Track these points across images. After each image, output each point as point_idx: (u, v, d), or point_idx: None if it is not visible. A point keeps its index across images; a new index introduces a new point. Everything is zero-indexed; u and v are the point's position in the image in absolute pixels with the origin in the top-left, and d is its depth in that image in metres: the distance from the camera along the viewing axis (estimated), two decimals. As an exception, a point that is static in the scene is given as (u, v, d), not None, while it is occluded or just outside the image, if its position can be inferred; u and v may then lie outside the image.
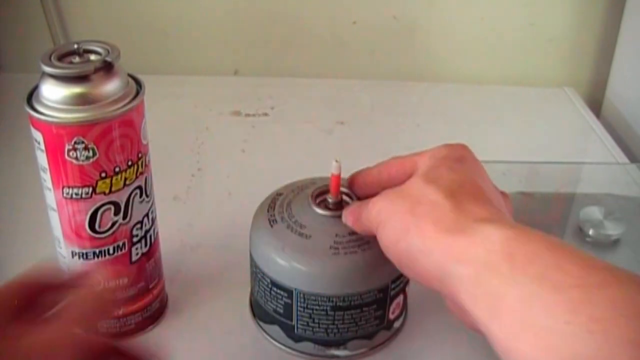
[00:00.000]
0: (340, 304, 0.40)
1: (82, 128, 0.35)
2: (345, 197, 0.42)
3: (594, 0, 0.84)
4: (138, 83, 0.39)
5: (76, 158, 0.36)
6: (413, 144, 0.74)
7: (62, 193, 0.38)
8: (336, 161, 0.40)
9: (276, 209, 0.43)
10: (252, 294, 0.46)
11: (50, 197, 0.39)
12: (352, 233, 0.40)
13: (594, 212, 0.51)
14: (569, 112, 0.81)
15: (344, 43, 0.85)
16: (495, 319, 0.28)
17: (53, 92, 0.36)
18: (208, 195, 0.62)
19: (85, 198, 0.37)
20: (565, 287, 0.27)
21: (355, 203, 0.40)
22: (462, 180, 0.35)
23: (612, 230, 0.50)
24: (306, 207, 0.42)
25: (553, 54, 0.88)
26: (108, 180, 0.37)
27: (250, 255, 0.43)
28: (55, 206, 0.39)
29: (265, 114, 0.74)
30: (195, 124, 0.73)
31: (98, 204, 0.38)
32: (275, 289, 0.41)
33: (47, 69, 0.36)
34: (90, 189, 0.37)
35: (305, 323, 0.41)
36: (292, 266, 0.39)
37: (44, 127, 0.36)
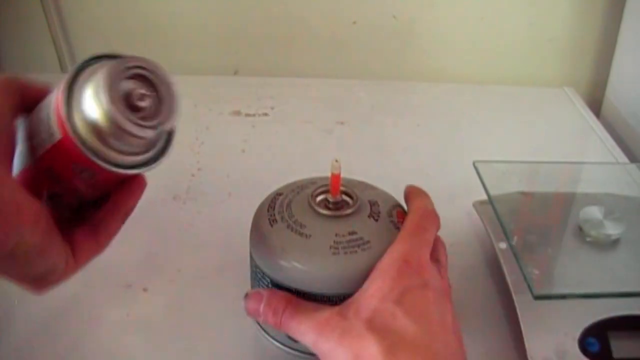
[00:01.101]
0: (340, 303, 0.40)
1: None
2: (345, 197, 0.42)
3: (594, 0, 0.84)
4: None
5: None
6: (413, 144, 0.75)
7: None
8: (336, 161, 0.40)
9: (276, 208, 0.42)
10: None
11: None
12: (352, 232, 0.40)
13: (594, 212, 0.51)
14: (569, 112, 0.81)
15: (344, 43, 0.85)
16: None
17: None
18: (208, 195, 0.62)
19: None
20: None
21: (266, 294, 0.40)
22: (407, 331, 0.34)
23: (612, 230, 0.49)
24: (306, 207, 0.42)
25: (553, 54, 0.88)
26: None
27: (250, 255, 0.43)
28: None
29: (265, 114, 0.74)
30: (195, 124, 0.73)
31: None
32: (275, 289, 0.41)
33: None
34: None
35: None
36: (292, 266, 0.39)
37: None
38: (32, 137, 0.32)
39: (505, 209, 0.51)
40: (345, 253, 0.39)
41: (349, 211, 0.41)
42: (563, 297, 0.45)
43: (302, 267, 0.39)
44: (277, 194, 0.44)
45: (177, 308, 0.48)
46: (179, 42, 0.84)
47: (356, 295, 0.37)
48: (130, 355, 0.45)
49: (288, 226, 0.41)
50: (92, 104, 0.29)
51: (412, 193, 0.44)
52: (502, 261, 0.48)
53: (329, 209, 0.42)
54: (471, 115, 0.79)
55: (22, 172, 0.32)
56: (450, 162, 0.68)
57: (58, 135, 0.30)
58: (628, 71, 0.81)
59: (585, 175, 0.64)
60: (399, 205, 0.44)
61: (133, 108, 0.30)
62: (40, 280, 0.33)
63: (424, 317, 0.35)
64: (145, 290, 0.50)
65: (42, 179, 0.32)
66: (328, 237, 0.40)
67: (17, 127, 0.32)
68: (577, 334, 0.43)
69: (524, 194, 0.56)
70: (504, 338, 0.47)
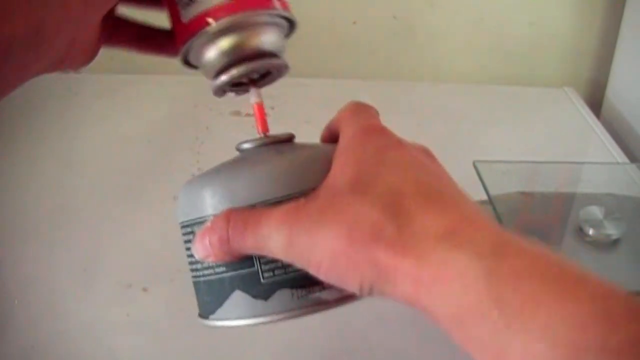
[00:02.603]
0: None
1: None
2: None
3: (594, 0, 0.84)
4: None
5: None
6: (413, 144, 0.75)
7: None
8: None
9: (202, 174, 0.33)
10: (197, 293, 0.33)
11: None
12: (300, 147, 0.32)
13: (594, 212, 0.51)
14: (569, 112, 0.81)
15: (344, 43, 0.85)
16: None
17: None
18: (208, 195, 0.62)
19: None
20: (582, 349, 0.20)
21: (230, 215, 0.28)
22: (401, 178, 0.26)
23: (612, 230, 0.50)
24: (235, 156, 0.34)
25: (553, 54, 0.88)
26: None
27: (181, 227, 0.33)
28: None
29: (266, 114, 0.74)
30: (195, 124, 0.73)
31: None
32: None
33: None
34: None
35: (270, 261, 0.28)
36: (231, 182, 0.30)
37: None
38: None
39: (505, 209, 0.51)
40: (293, 153, 0.31)
41: (286, 136, 0.34)
42: (563, 297, 0.45)
43: (244, 178, 0.29)
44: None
45: (177, 308, 0.48)
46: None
47: (323, 182, 0.27)
48: (130, 355, 0.45)
49: (216, 169, 0.32)
50: None
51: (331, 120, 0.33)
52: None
53: (261, 140, 0.33)
54: (471, 115, 0.79)
55: None
56: (450, 162, 0.68)
57: None
58: (628, 71, 0.81)
59: (585, 175, 0.64)
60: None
61: None
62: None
63: (415, 167, 0.27)
64: (145, 290, 0.50)
65: None
66: (268, 153, 0.32)
67: None
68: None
69: (524, 194, 0.56)
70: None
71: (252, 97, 0.34)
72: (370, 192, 0.25)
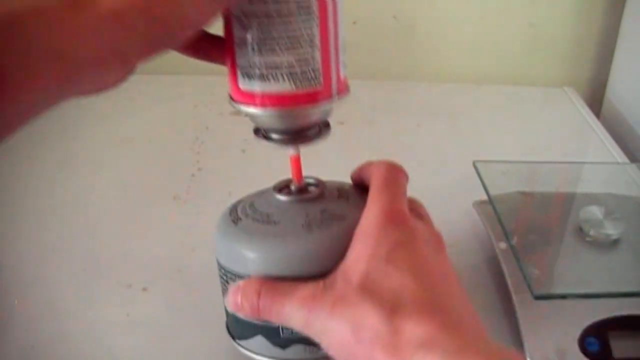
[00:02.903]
0: None
1: None
2: (311, 187, 0.39)
3: (594, 0, 0.84)
4: None
5: None
6: (413, 144, 0.75)
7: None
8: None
9: (239, 211, 0.38)
10: (227, 313, 0.40)
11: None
12: (324, 211, 0.36)
13: (594, 212, 0.51)
14: (569, 112, 0.81)
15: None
16: None
17: None
18: (208, 195, 0.62)
19: None
20: None
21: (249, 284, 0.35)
22: (405, 288, 0.30)
23: (612, 230, 0.50)
24: (270, 200, 0.38)
25: (553, 54, 0.88)
26: None
27: (219, 264, 0.38)
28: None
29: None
30: (195, 124, 0.73)
31: None
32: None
33: None
34: None
35: None
36: (265, 254, 0.35)
37: None
38: None
39: (505, 209, 0.51)
40: (320, 228, 0.35)
41: (317, 193, 0.38)
42: (563, 297, 0.45)
43: (276, 251, 0.35)
44: (237, 201, 0.40)
45: (177, 308, 0.48)
46: (179, 42, 0.84)
47: (340, 265, 0.33)
48: (130, 355, 0.45)
49: (254, 219, 0.37)
50: None
51: (365, 167, 0.39)
52: (502, 261, 0.48)
53: (294, 194, 0.38)
54: (471, 115, 0.79)
55: None
56: (450, 162, 0.68)
57: None
58: (628, 71, 0.81)
59: (585, 175, 0.64)
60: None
61: None
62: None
63: (420, 271, 0.31)
64: (145, 290, 0.50)
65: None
66: (298, 218, 0.36)
67: None
68: (577, 334, 0.43)
69: (524, 194, 0.56)
70: (504, 338, 0.47)
71: (290, 150, 0.37)
72: (376, 296, 0.30)
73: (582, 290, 0.45)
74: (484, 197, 0.53)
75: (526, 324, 0.44)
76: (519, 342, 0.44)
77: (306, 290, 0.32)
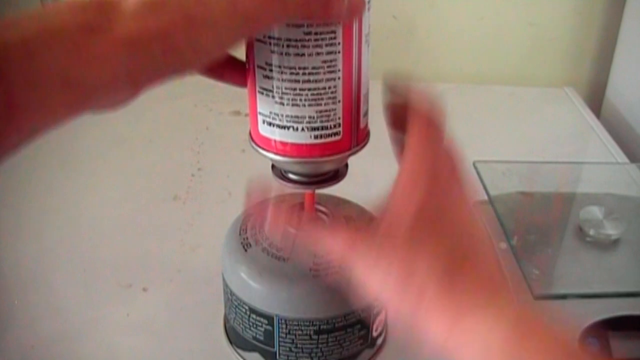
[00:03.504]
0: (324, 327, 0.38)
1: None
2: (320, 214, 0.40)
3: (594, 0, 0.84)
4: None
5: None
6: (413, 144, 0.74)
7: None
8: None
9: (248, 231, 0.40)
10: (226, 320, 0.44)
11: None
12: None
13: (594, 212, 0.51)
14: (569, 112, 0.81)
15: (344, 43, 0.85)
16: None
17: None
18: (208, 195, 0.62)
19: None
20: None
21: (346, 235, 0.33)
22: (450, 246, 0.30)
23: (612, 230, 0.50)
24: (280, 227, 0.39)
25: (553, 54, 0.88)
26: None
27: (224, 280, 0.41)
28: None
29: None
30: (195, 124, 0.73)
31: None
32: (254, 316, 0.39)
33: None
34: None
35: (287, 349, 0.39)
36: (271, 292, 0.37)
37: None
38: None
39: (505, 209, 0.51)
40: (327, 274, 0.37)
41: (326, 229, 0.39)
42: (563, 297, 0.45)
43: (283, 292, 0.37)
44: (247, 215, 0.42)
45: (177, 308, 0.48)
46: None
47: (387, 207, 0.31)
48: (130, 355, 0.45)
49: (263, 249, 0.38)
50: None
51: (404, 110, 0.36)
52: (502, 261, 0.48)
53: (304, 228, 0.38)
54: (471, 115, 0.79)
55: None
56: (450, 162, 0.68)
57: None
58: (628, 71, 0.81)
59: (585, 175, 0.64)
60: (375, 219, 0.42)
61: None
62: None
63: (463, 235, 0.30)
64: (145, 290, 0.50)
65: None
66: (306, 258, 0.37)
67: None
68: (577, 333, 0.43)
69: (524, 194, 0.56)
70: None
71: (306, 189, 0.37)
72: (426, 249, 0.29)
73: (582, 290, 0.45)
74: (484, 197, 0.53)
75: (526, 324, 0.44)
76: (519, 342, 0.44)
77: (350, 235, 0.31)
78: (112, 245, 0.55)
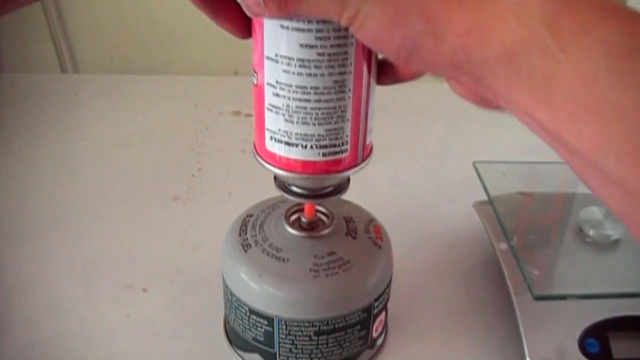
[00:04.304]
0: (324, 327, 0.38)
1: None
2: (320, 215, 0.41)
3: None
4: None
5: None
6: (413, 144, 0.75)
7: None
8: None
9: (248, 232, 0.40)
10: (227, 321, 0.44)
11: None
12: (331, 253, 0.38)
13: (594, 212, 0.51)
14: (569, 112, 0.81)
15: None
16: (543, 104, 0.23)
17: None
18: (208, 195, 0.62)
19: None
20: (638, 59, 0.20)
21: None
22: None
23: (612, 230, 0.50)
24: (280, 229, 0.40)
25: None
26: None
27: (224, 281, 0.41)
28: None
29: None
30: (195, 124, 0.73)
31: None
32: (254, 317, 0.39)
33: None
34: None
35: (287, 350, 0.39)
36: (271, 293, 0.37)
37: None
38: None
39: (505, 209, 0.51)
40: (327, 275, 0.37)
41: (325, 231, 0.40)
42: (563, 297, 0.45)
43: (283, 293, 0.37)
44: (247, 215, 0.42)
45: (177, 308, 0.48)
46: (180, 42, 0.84)
47: None
48: (130, 355, 0.45)
49: (263, 250, 0.39)
50: None
51: None
52: (502, 261, 0.48)
53: (304, 229, 0.40)
54: (471, 115, 0.78)
55: None
56: (450, 162, 0.68)
57: None
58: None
59: (585, 175, 0.64)
60: (374, 220, 0.43)
61: None
62: None
63: None
64: (145, 290, 0.50)
65: None
66: (306, 259, 0.38)
67: None
68: (577, 334, 0.43)
69: (524, 194, 0.56)
70: (504, 338, 0.47)
71: (309, 201, 0.38)
72: None
73: (582, 291, 0.45)
74: (484, 197, 0.53)
75: (526, 325, 0.44)
76: (519, 343, 0.44)
77: None
78: (112, 245, 0.55)
